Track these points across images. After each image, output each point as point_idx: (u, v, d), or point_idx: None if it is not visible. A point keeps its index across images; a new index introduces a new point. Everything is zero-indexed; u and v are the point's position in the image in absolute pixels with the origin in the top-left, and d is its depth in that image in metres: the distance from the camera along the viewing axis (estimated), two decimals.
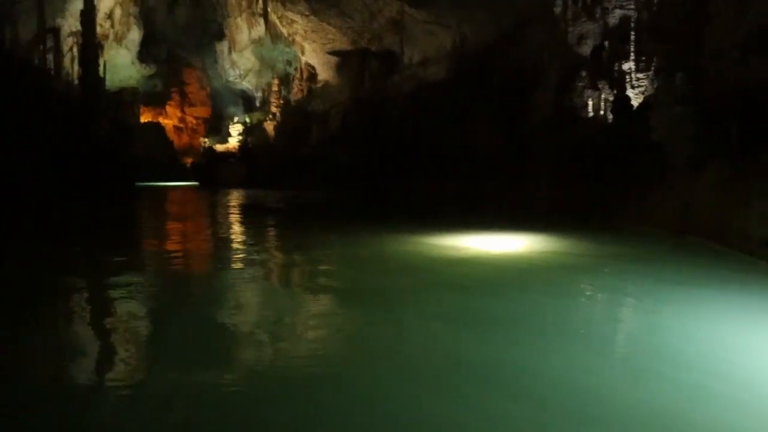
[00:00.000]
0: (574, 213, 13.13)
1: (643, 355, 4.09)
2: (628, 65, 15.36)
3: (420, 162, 21.67)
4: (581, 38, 17.29)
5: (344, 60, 32.76)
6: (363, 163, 25.27)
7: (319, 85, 35.27)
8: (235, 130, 39.80)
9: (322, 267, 7.73)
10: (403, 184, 21.77)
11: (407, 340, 4.50)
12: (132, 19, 36.72)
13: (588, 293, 6.28)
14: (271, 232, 12.63)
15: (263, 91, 41.51)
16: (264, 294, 6.29)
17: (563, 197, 14.10)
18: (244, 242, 10.58)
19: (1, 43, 25.61)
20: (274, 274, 7.51)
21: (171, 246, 10.28)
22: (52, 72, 29.56)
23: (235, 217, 15.75)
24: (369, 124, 27.42)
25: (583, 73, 16.53)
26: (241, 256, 8.65)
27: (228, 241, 10.94)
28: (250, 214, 16.87)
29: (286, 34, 33.86)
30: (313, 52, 33.96)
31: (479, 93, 20.87)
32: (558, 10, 18.03)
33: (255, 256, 8.59)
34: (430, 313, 5.21)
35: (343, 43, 32.16)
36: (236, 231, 12.54)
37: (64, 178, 20.07)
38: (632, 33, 15.33)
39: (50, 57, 30.33)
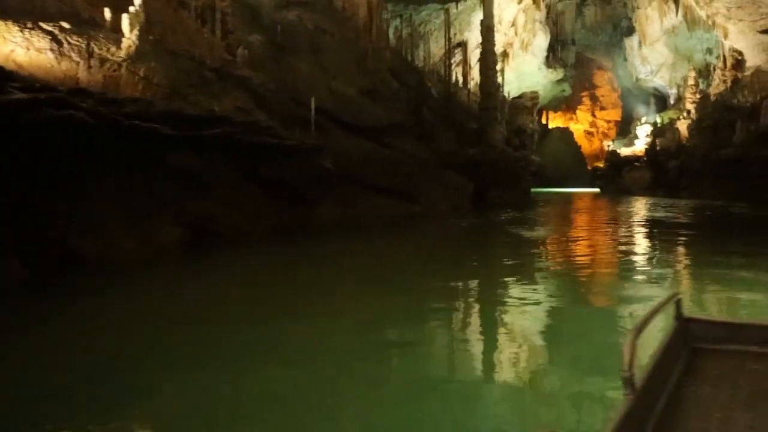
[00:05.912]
0: None
1: None
2: None
3: None
4: None
5: None
6: None
7: (747, 73, 29.45)
8: (642, 131, 36.21)
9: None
10: None
11: None
12: (537, 25, 36.53)
13: None
14: (681, 261, 9.81)
15: (678, 86, 36.81)
16: None
17: None
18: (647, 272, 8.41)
19: (412, 60, 28.14)
20: None
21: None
22: (459, 83, 31.18)
23: (634, 239, 13.01)
24: None
25: None
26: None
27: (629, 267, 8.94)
28: (653, 231, 14.21)
29: (704, 17, 29.13)
30: (740, 33, 28.42)
31: None
32: None
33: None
34: None
35: None
36: (636, 257, 10.12)
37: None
38: None
39: (458, 69, 32.16)
